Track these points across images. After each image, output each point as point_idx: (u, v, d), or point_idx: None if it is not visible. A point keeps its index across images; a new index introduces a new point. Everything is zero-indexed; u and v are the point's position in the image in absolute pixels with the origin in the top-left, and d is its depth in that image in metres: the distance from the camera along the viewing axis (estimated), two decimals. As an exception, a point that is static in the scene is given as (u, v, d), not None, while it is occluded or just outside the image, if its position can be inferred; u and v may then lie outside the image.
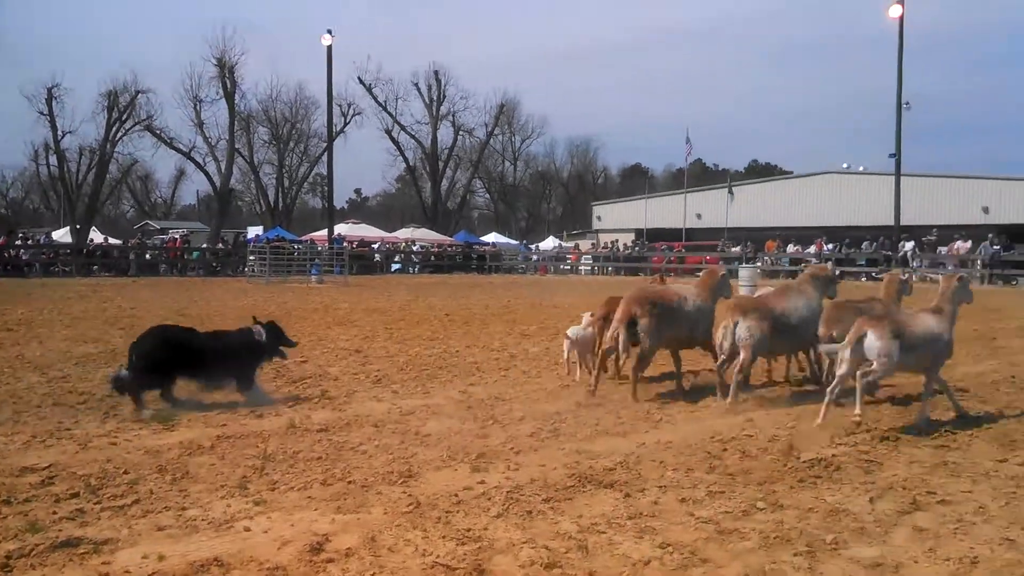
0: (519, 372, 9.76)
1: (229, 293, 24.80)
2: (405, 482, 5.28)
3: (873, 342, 6.54)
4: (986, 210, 47.65)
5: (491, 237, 63.32)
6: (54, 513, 4.58)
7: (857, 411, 6.53)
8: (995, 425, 6.94)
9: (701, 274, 9.10)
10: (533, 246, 61.33)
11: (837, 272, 9.96)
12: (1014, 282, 34.82)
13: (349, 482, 5.26)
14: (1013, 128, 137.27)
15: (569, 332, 9.23)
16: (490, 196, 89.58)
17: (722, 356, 7.98)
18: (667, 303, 8.20)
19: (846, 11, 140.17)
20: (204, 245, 48.25)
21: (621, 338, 7.97)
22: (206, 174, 60.45)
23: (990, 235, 37.36)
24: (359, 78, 67.15)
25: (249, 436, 6.36)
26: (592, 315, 9.36)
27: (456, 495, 5.01)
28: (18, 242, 41.91)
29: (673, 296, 8.35)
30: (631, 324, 7.95)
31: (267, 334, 7.81)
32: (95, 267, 38.99)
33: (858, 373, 6.62)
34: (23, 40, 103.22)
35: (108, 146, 57.42)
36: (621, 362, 9.04)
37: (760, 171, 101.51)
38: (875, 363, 6.55)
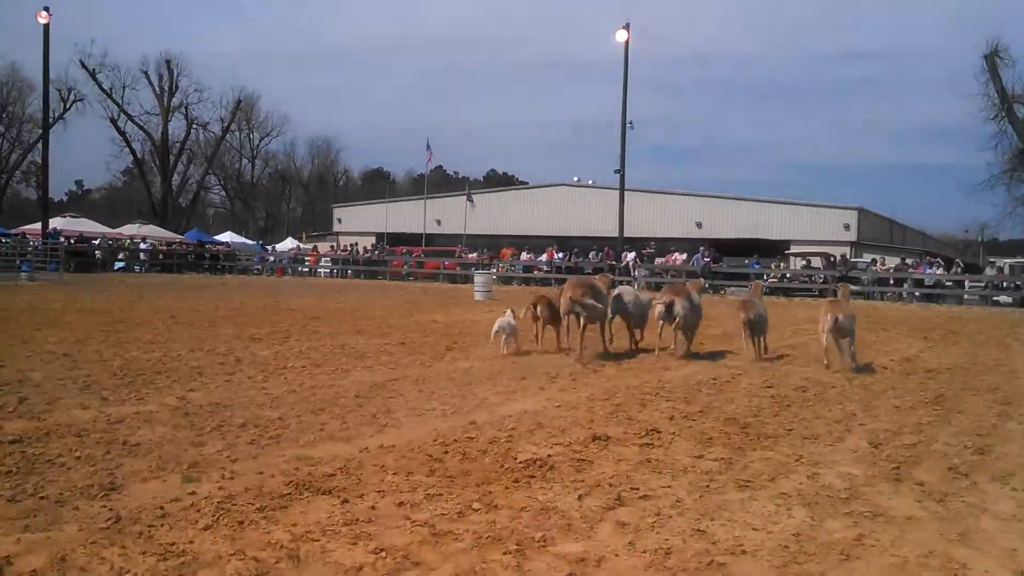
0: (244, 377, 9.42)
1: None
2: (107, 495, 4.93)
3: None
4: (699, 225, 52.01)
5: (226, 236, 60.90)
6: None
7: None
8: (694, 424, 7.54)
9: (599, 277, 13.74)
10: (271, 247, 59.65)
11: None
12: (723, 291, 38.12)
13: (41, 497, 4.83)
14: (722, 151, 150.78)
15: (498, 322, 12.29)
16: (226, 194, 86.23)
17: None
18: (599, 290, 12.03)
19: (583, 34, 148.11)
20: None
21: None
22: None
23: (701, 248, 40.77)
24: (81, 61, 62.52)
25: (-74, 450, 5.71)
26: (513, 311, 12.70)
27: (162, 507, 4.74)
28: None
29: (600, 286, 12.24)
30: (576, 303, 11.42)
31: None
32: None
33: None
34: None
35: None
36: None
37: (498, 180, 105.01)
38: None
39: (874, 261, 41.39)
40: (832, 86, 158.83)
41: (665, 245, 45.01)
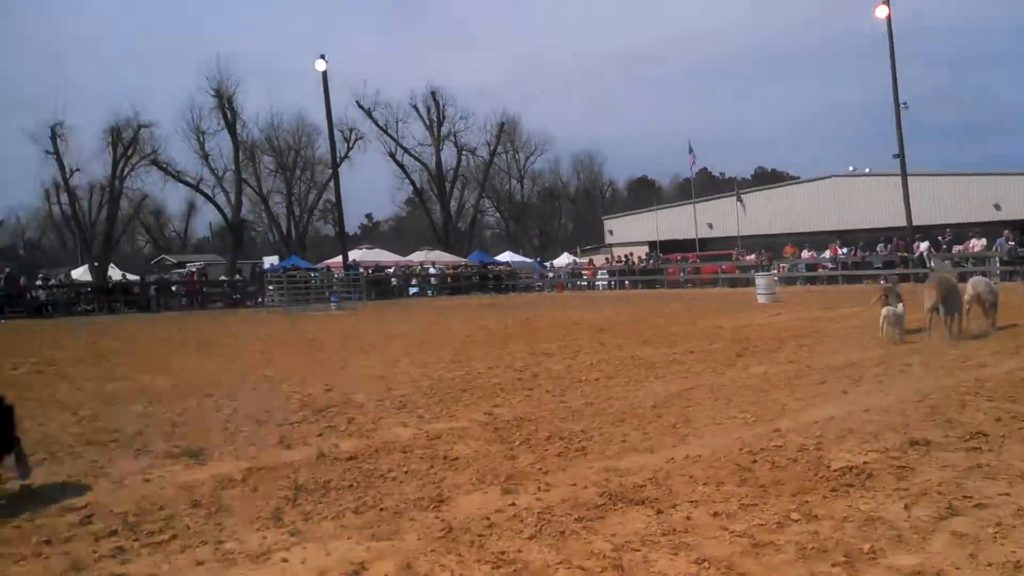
0: (543, 391, 9.78)
1: (250, 324, 24.99)
2: (437, 507, 5.32)
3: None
4: (997, 207, 47.42)
5: (505, 256, 63.38)
6: (94, 552, 4.64)
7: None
8: (1025, 424, 6.91)
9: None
10: (548, 263, 61.36)
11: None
12: (1033, 277, 34.55)
13: (381, 509, 5.30)
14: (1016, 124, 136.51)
15: (885, 310, 13.07)
16: (500, 215, 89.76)
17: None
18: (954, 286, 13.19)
19: (840, 16, 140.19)
20: (222, 277, 48.56)
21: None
22: (216, 206, 60.87)
23: (1004, 231, 37.16)
24: (357, 102, 67.51)
25: (279, 467, 6.42)
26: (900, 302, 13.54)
27: (488, 518, 5.05)
28: (39, 282, 42.39)
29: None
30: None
31: None
32: (117, 304, 39.26)
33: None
34: (22, 80, 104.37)
35: (116, 182, 57.70)
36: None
37: (766, 178, 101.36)
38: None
39: None
40: None
41: (962, 231, 41.46)
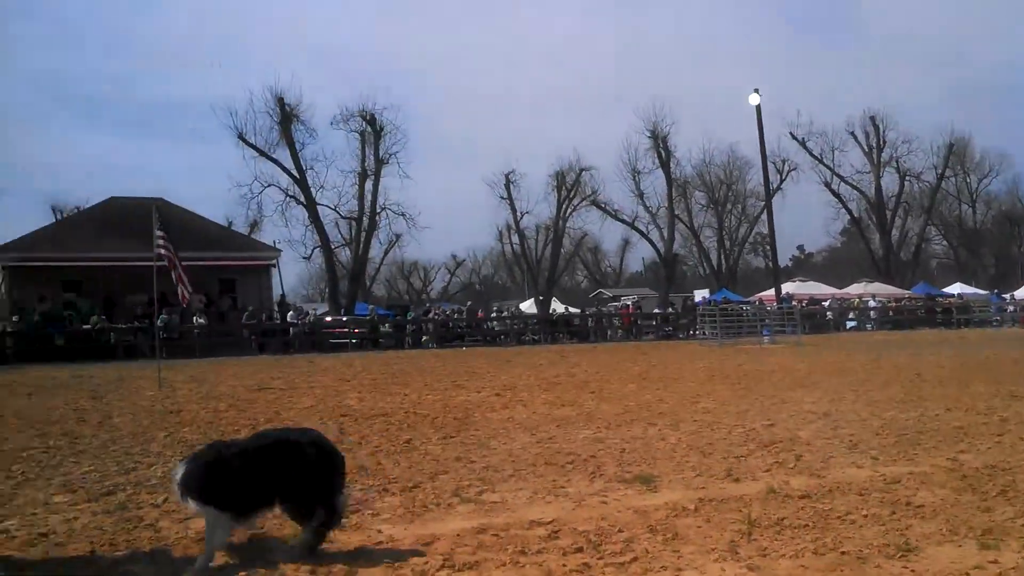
0: (1015, 438, 8.72)
1: (683, 356, 25.41)
2: (904, 556, 4.92)
3: None
4: None
5: (955, 288, 57.99)
6: (564, 566, 4.94)
7: None
8: None
9: None
10: (1007, 295, 54.99)
11: None
12: None
13: (842, 552, 5.03)
14: None
15: None
16: (948, 243, 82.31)
17: None
18: None
19: None
20: (655, 310, 50.07)
21: None
22: (650, 242, 62.96)
23: None
24: (791, 133, 66.01)
25: (730, 500, 6.38)
26: None
27: (968, 574, 4.57)
28: (493, 313, 47.04)
29: None
30: None
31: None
32: (560, 335, 42.21)
33: None
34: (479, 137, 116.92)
35: (560, 222, 62.25)
36: None
37: None
38: None
39: None
40: None
41: None
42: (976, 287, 63.47)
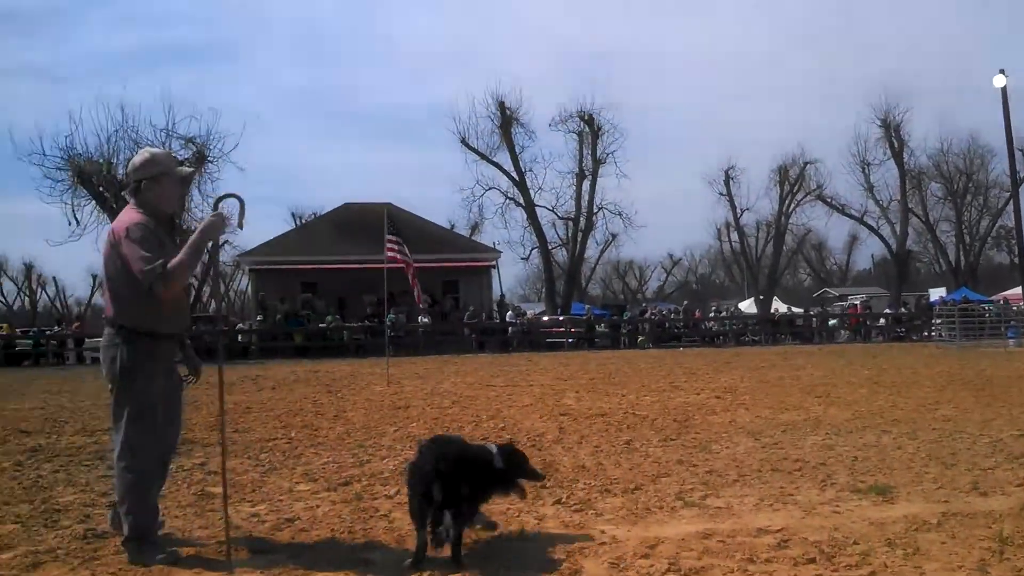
0: None
1: (918, 360, 23.93)
2: None
3: None
4: None
5: None
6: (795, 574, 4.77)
7: None
8: None
9: None
10: None
11: None
12: None
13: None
14: None
15: None
16: None
17: None
18: None
19: None
20: (886, 310, 47.42)
21: None
22: (880, 237, 59.75)
23: None
24: (1035, 115, 60.56)
25: (977, 515, 5.93)
26: None
27: None
28: (711, 313, 46.17)
29: None
30: None
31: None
32: (782, 335, 40.82)
33: None
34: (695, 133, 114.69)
35: (782, 219, 60.15)
36: None
37: None
38: None
39: None
40: None
41: None
42: None
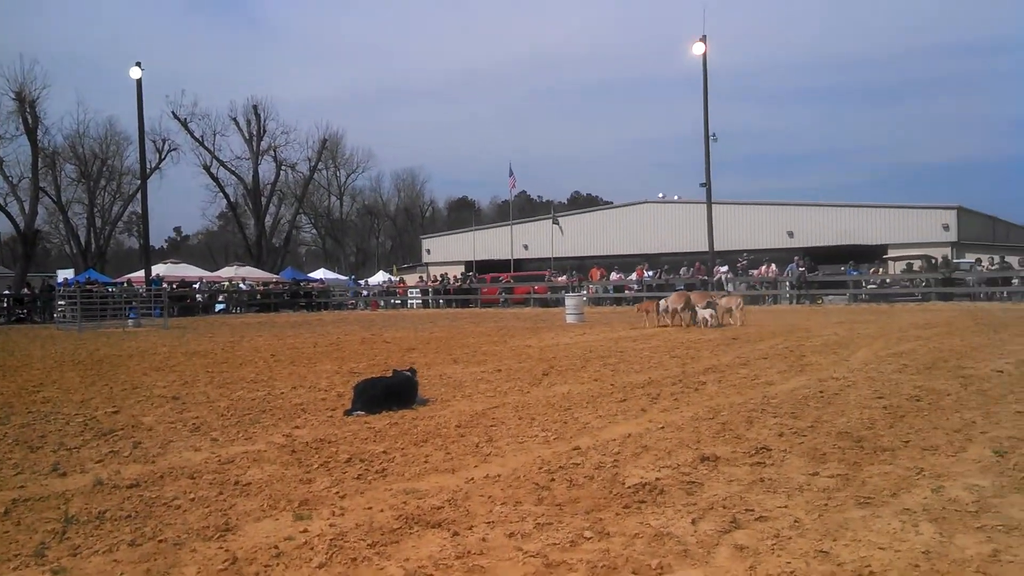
0: (339, 416, 9.50)
1: (35, 342, 23.23)
2: (222, 536, 4.99)
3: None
4: (791, 234, 50.90)
5: (319, 273, 62.27)
6: None
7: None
8: (806, 439, 7.29)
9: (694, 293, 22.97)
10: (363, 281, 60.63)
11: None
12: (820, 300, 37.20)
13: (160, 541, 4.91)
14: (811, 159, 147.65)
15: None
16: (317, 232, 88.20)
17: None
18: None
19: (657, 53, 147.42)
20: (6, 291, 45.01)
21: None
22: (7, 215, 56.53)
23: (796, 257, 39.85)
24: (173, 113, 64.92)
25: (50, 498, 5.88)
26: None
27: (276, 547, 4.76)
28: None
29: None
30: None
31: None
32: None
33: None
34: None
35: None
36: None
37: (582, 202, 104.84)
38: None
39: (978, 261, 39.84)
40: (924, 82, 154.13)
41: (759, 257, 44.16)
42: (339, 273, 68.92)
